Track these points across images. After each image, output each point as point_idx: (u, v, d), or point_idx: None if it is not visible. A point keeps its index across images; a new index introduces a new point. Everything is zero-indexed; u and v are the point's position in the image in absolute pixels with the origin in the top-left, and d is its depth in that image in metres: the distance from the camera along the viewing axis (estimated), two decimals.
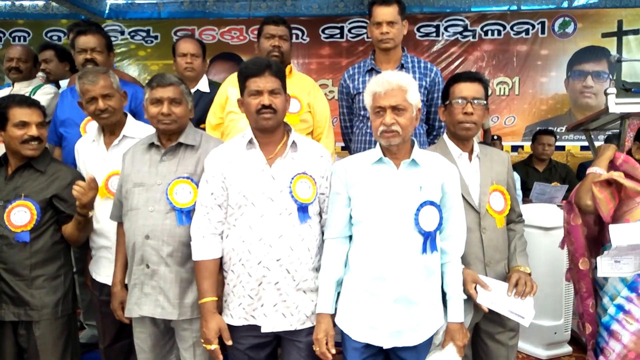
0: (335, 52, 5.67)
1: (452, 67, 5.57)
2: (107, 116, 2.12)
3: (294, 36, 2.69)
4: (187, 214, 1.82)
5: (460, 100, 1.83)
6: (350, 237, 1.73)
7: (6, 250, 2.00)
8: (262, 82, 1.69)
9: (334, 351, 1.64)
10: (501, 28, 5.55)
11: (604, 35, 5.48)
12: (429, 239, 1.64)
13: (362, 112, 2.48)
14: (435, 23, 5.59)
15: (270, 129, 1.73)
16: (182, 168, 1.87)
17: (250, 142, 1.76)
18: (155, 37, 5.80)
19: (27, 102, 2.07)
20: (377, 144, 1.72)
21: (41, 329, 2.02)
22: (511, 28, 5.53)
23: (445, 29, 5.59)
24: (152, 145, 1.93)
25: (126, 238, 1.90)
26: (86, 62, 2.49)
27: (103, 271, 2.16)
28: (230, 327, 1.73)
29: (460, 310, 1.69)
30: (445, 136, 1.94)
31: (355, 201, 1.68)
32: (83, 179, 2.08)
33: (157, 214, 1.83)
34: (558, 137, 4.85)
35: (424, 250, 1.64)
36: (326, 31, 5.67)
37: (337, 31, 5.62)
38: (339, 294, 1.72)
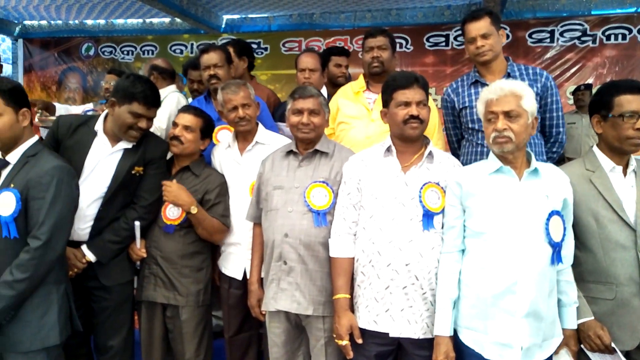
0: (440, 60, 5.60)
1: (567, 74, 5.23)
2: (245, 124, 2.33)
3: (397, 45, 2.72)
4: (323, 216, 1.95)
5: (630, 114, 1.72)
6: (463, 250, 1.72)
7: (164, 240, 2.28)
8: (411, 93, 1.79)
9: None
10: (626, 32, 5.11)
11: None
12: (557, 250, 1.60)
13: (470, 125, 2.45)
14: (549, 28, 5.29)
15: (414, 138, 1.81)
16: (318, 173, 2.01)
17: (388, 149, 1.86)
18: (265, 49, 6.14)
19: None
20: (491, 154, 1.71)
21: (186, 314, 2.25)
22: (638, 32, 5.08)
23: (561, 34, 5.26)
24: (290, 152, 2.10)
25: (265, 236, 2.08)
26: (210, 78, 2.72)
27: (231, 266, 2.36)
28: (359, 330, 1.80)
29: (574, 317, 1.68)
30: (595, 148, 1.86)
31: (474, 213, 1.67)
32: (227, 186, 2.32)
33: (295, 214, 1.98)
34: None
35: (552, 261, 1.61)
36: (430, 39, 5.63)
37: (442, 39, 5.56)
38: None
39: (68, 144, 2.20)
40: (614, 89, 1.78)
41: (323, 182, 1.99)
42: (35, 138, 1.97)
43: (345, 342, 1.79)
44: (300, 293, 1.94)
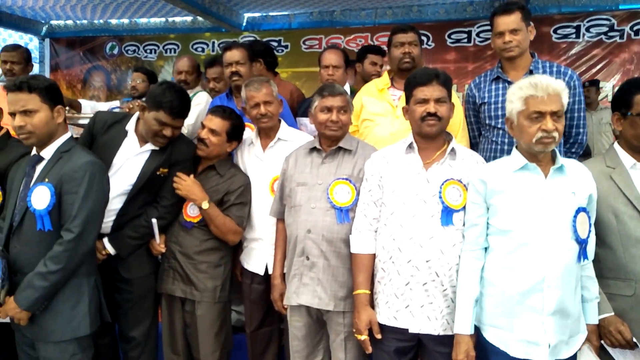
0: (461, 56, 5.53)
1: (593, 70, 5.11)
2: (267, 120, 2.36)
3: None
4: (345, 213, 1.97)
5: None
6: (486, 249, 1.71)
7: (182, 235, 2.33)
8: (429, 90, 1.78)
9: None
10: None
11: None
12: (584, 247, 1.59)
13: (487, 122, 2.43)
14: (575, 24, 5.18)
15: (432, 135, 1.81)
16: (341, 170, 2.03)
17: (410, 146, 1.86)
18: (286, 47, 6.17)
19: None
20: (515, 150, 1.68)
21: (202, 310, 2.29)
22: None
23: (587, 29, 5.15)
24: (313, 149, 2.12)
25: (288, 232, 2.10)
26: (232, 75, 2.75)
27: (254, 261, 2.39)
28: (378, 325, 1.81)
29: (596, 312, 1.68)
30: (616, 145, 1.85)
31: (500, 210, 1.65)
32: (251, 187, 2.34)
33: (318, 210, 2.00)
34: None
35: (579, 258, 1.60)
36: (452, 36, 5.57)
37: (464, 35, 5.49)
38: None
39: (101, 140, 2.27)
40: (635, 87, 1.76)
41: (346, 179, 2.00)
42: (69, 134, 2.03)
43: (364, 337, 1.81)
44: (322, 288, 1.96)
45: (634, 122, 1.73)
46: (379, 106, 2.58)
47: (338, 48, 3.36)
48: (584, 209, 1.62)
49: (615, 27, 5.08)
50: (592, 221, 1.68)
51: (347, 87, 3.17)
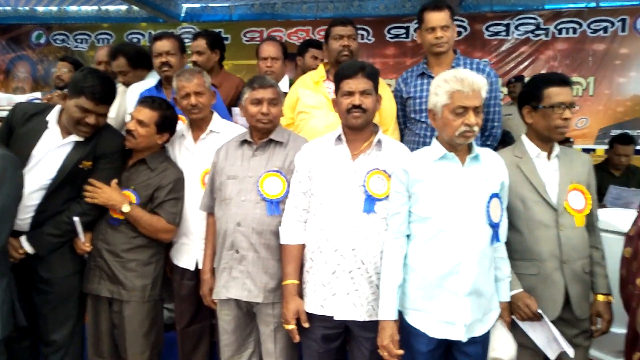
0: (400, 52, 5.68)
1: (522, 67, 5.42)
2: (197, 112, 2.29)
3: (358, 37, 2.73)
4: (276, 205, 1.95)
5: (560, 106, 1.82)
6: (408, 236, 1.75)
7: (110, 233, 2.22)
8: (355, 83, 1.80)
9: (401, 352, 1.68)
10: (577, 26, 5.32)
11: None
12: (496, 230, 1.69)
13: (412, 115, 2.50)
14: (505, 22, 5.46)
15: (358, 127, 1.83)
16: (272, 162, 2.01)
17: (339, 138, 1.88)
18: (226, 39, 6.05)
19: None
20: (434, 141, 1.75)
21: (130, 310, 2.19)
22: (588, 26, 5.29)
23: (516, 27, 5.44)
24: (244, 141, 2.09)
25: (218, 225, 2.06)
26: (162, 65, 2.66)
27: (184, 257, 2.32)
28: (306, 314, 1.83)
29: (508, 290, 1.79)
30: (524, 137, 1.96)
31: (420, 198, 1.70)
32: (184, 182, 2.28)
33: (248, 203, 1.97)
34: (637, 140, 4.59)
35: (492, 241, 1.69)
36: (391, 31, 5.70)
37: (403, 31, 5.63)
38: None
39: (20, 132, 2.13)
40: (543, 81, 1.88)
41: (277, 171, 1.99)
42: None
43: (291, 327, 1.82)
44: (251, 281, 1.95)
45: (545, 114, 1.84)
46: (314, 99, 2.58)
47: (276, 40, 3.33)
48: (496, 195, 1.70)
49: (541, 26, 5.40)
50: (504, 206, 1.78)
51: (285, 80, 3.16)
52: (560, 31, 5.38)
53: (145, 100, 2.30)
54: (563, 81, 1.85)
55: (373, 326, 1.74)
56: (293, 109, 2.63)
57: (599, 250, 1.94)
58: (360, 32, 5.67)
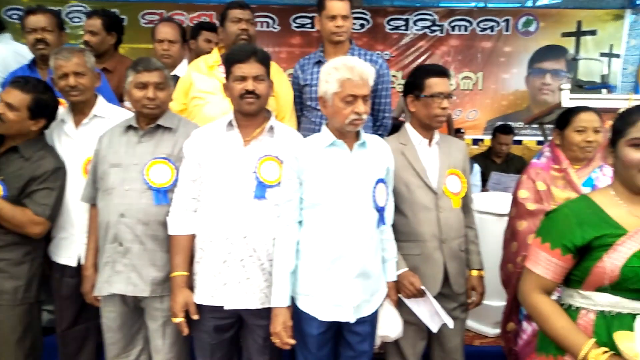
0: (306, 41, 5.70)
1: (420, 61, 5.70)
2: (77, 94, 2.11)
3: (264, 24, 2.69)
4: (164, 193, 1.86)
5: (439, 96, 1.92)
6: (300, 222, 1.76)
7: None
8: (247, 68, 1.76)
9: (292, 341, 1.69)
10: (468, 24, 5.72)
11: (564, 34, 5.74)
12: (382, 214, 1.75)
13: (308, 103, 2.52)
14: (404, 17, 5.70)
15: (252, 113, 1.80)
16: (160, 149, 1.92)
17: (230, 124, 1.82)
18: (122, 20, 5.64)
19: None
20: (324, 128, 1.77)
21: (0, 314, 2.00)
22: (477, 25, 5.72)
23: (415, 22, 5.71)
24: (129, 127, 1.96)
25: (100, 217, 1.93)
26: (37, 42, 2.46)
27: (64, 253, 2.15)
28: (197, 306, 1.78)
29: (394, 270, 1.88)
30: (408, 125, 2.05)
31: (310, 185, 1.71)
32: (65, 172, 2.09)
33: (133, 192, 1.86)
34: (516, 131, 5.06)
35: (378, 224, 1.76)
36: (297, 20, 5.69)
37: (309, 21, 5.65)
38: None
39: None
40: (425, 72, 1.99)
41: (165, 158, 1.89)
42: None
43: (179, 320, 1.76)
44: (137, 275, 1.85)
45: (427, 103, 1.95)
46: (208, 84, 2.49)
47: (174, 21, 3.16)
48: (382, 180, 1.77)
49: (437, 23, 5.73)
50: (390, 190, 1.86)
51: (184, 64, 3.02)
52: (453, 28, 5.75)
53: (17, 81, 2.07)
54: (442, 72, 1.96)
55: (266, 314, 1.73)
56: (186, 94, 2.52)
57: (472, 230, 2.10)
58: (265, 20, 5.62)
